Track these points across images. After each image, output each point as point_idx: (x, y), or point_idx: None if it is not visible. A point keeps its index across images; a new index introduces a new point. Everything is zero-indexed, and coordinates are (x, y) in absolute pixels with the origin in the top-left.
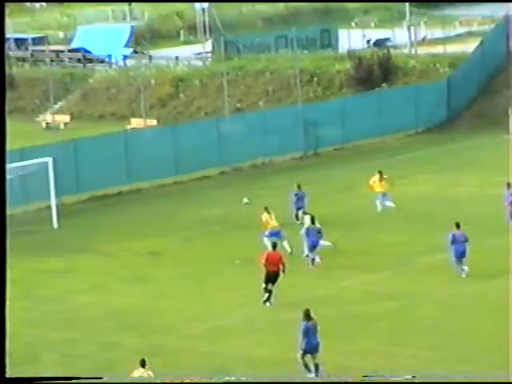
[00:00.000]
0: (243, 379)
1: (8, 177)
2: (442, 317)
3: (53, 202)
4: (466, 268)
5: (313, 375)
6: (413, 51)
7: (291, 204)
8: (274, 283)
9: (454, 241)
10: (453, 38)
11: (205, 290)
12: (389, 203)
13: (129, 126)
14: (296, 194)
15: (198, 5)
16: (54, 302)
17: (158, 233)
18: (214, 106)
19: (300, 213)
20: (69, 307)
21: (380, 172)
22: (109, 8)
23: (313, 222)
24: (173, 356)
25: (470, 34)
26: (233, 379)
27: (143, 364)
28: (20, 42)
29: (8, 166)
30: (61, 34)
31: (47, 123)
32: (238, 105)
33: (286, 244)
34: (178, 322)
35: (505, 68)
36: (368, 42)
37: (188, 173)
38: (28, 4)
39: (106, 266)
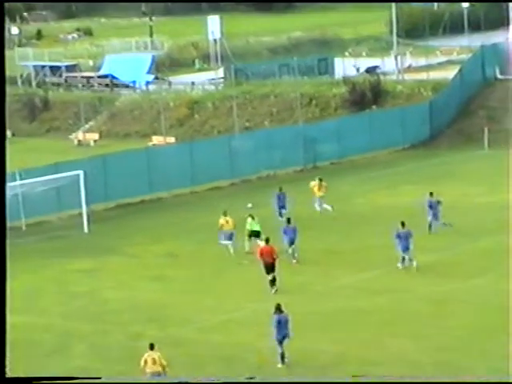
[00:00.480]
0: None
1: (44, 188)
2: (426, 310)
3: (84, 210)
4: (413, 259)
5: (280, 365)
6: (400, 77)
7: (274, 204)
8: (273, 271)
9: (398, 237)
10: (435, 65)
11: (217, 286)
12: (326, 206)
13: (151, 143)
14: (278, 195)
15: (210, 37)
16: (84, 297)
17: (176, 236)
18: (225, 125)
19: (283, 211)
20: (98, 302)
21: (320, 178)
22: (133, 39)
23: (289, 221)
24: (189, 345)
25: (450, 62)
26: (233, 380)
27: (152, 347)
28: (55, 70)
29: (44, 178)
30: (91, 62)
31: (79, 140)
32: (247, 124)
33: (230, 246)
34: (193, 316)
35: (480, 92)
36: (358, 69)
37: (202, 184)
38: (61, 36)
39: (131, 266)
